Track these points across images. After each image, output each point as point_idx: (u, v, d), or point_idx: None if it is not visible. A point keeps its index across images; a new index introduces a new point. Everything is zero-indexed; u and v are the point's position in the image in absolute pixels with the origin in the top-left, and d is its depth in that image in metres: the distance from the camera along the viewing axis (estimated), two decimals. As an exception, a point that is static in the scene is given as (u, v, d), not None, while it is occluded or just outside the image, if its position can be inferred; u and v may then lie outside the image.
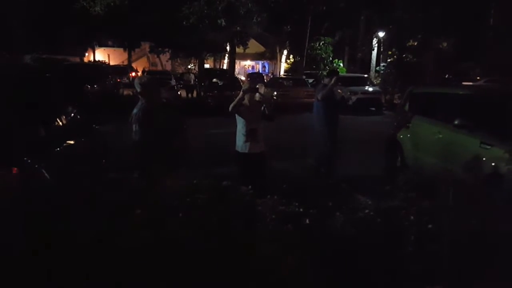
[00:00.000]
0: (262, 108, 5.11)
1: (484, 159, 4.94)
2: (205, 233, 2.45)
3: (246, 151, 5.09)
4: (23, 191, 3.56)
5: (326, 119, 7.30)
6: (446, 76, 24.10)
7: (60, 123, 5.35)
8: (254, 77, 29.28)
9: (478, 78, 23.09)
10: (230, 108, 5.00)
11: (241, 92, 4.98)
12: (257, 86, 5.16)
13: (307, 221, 2.66)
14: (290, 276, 2.29)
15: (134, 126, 4.35)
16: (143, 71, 33.27)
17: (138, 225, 2.40)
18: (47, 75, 6.94)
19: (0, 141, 3.90)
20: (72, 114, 5.75)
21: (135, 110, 4.41)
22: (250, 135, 5.06)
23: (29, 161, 4.05)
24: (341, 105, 8.59)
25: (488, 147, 4.93)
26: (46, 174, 4.12)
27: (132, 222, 2.43)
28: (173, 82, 21.60)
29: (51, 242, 2.37)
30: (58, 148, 4.90)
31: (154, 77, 17.07)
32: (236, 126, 5.26)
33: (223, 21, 21.79)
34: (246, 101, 5.06)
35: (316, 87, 8.93)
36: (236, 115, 5.11)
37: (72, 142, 5.27)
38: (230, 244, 2.45)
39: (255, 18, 22.88)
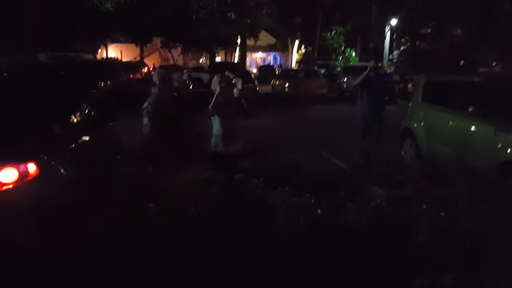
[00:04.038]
0: (242, 102, 4.69)
1: (499, 146, 4.87)
2: (217, 226, 2.48)
3: (223, 151, 4.62)
4: (40, 188, 3.64)
5: (362, 105, 7.24)
6: (461, 63, 23.68)
7: (75, 119, 5.44)
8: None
9: (494, 64, 22.64)
10: (210, 110, 4.55)
11: (218, 89, 4.57)
12: (234, 81, 4.74)
13: (319, 212, 2.68)
14: (302, 267, 2.31)
15: (144, 119, 4.42)
16: (153, 67, 33.30)
17: (151, 220, 2.44)
18: (61, 72, 7.04)
19: (17, 138, 3.98)
20: (87, 111, 5.83)
21: (145, 104, 4.48)
22: (227, 135, 4.61)
23: (45, 157, 4.13)
24: (386, 92, 8.36)
25: (504, 134, 4.87)
26: (62, 170, 4.19)
27: (145, 217, 2.47)
28: (186, 76, 21.57)
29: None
30: (74, 145, 4.98)
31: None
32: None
33: (232, 14, 21.73)
34: (221, 98, 4.58)
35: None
36: None
37: (87, 138, 5.35)
38: (242, 237, 2.48)
39: (265, 10, 22.75)
